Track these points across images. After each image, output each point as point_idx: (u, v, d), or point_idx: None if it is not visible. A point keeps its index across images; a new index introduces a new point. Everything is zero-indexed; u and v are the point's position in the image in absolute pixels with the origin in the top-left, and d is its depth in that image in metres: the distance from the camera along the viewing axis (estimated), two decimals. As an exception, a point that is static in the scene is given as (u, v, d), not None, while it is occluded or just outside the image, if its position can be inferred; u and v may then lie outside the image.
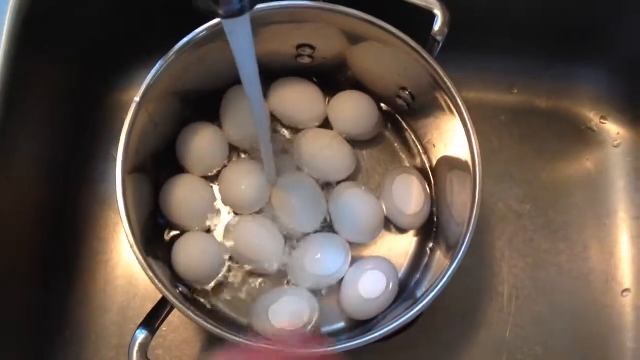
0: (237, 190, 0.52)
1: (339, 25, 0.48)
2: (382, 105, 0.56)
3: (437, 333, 0.55)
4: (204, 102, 0.54)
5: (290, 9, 0.46)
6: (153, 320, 0.43)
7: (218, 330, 0.42)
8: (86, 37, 0.55)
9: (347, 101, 0.55)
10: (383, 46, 0.48)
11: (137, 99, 0.44)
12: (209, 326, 0.42)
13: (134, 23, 0.56)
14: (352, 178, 0.55)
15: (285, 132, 0.55)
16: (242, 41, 0.34)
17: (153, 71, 0.45)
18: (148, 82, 0.45)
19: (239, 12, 0.31)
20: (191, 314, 0.42)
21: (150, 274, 0.42)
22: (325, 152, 0.53)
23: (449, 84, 0.46)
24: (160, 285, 0.42)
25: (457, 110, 0.47)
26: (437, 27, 0.46)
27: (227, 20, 0.32)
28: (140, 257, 0.42)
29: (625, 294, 0.57)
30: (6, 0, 0.46)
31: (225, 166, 0.54)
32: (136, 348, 0.42)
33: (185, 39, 0.45)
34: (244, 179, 0.52)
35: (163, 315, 0.43)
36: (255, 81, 0.38)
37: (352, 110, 0.54)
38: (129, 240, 0.42)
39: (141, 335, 0.42)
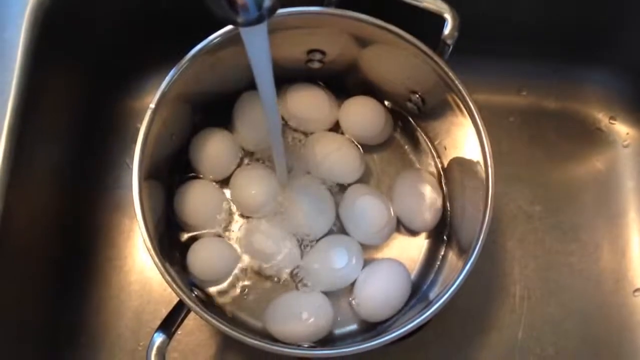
0: (247, 194, 0.53)
1: (349, 30, 0.48)
2: (393, 107, 0.56)
3: (448, 334, 0.55)
4: (214, 107, 0.54)
5: (301, 15, 0.46)
6: (170, 323, 0.43)
7: (236, 333, 0.42)
8: (98, 45, 0.55)
9: (357, 107, 0.55)
10: (393, 50, 0.48)
11: (152, 105, 0.45)
12: (227, 329, 0.42)
13: (145, 30, 0.56)
14: (363, 180, 0.55)
15: (296, 136, 0.56)
16: (259, 48, 0.35)
17: (167, 78, 0.45)
18: (163, 88, 0.45)
19: (257, 20, 0.31)
20: (209, 317, 0.42)
21: (168, 278, 0.42)
22: (334, 155, 0.54)
23: (460, 86, 0.46)
24: (178, 289, 0.42)
25: (468, 113, 0.47)
26: (447, 31, 0.46)
27: (245, 28, 0.33)
28: (158, 263, 0.42)
29: (636, 293, 0.57)
30: (22, 11, 0.46)
31: (236, 170, 0.54)
32: (154, 351, 0.42)
33: (199, 46, 0.45)
34: (254, 184, 0.53)
35: (180, 319, 0.44)
36: (270, 86, 0.39)
37: (362, 116, 0.55)
38: (146, 246, 0.43)
39: (159, 338, 0.42)
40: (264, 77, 0.38)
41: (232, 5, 0.30)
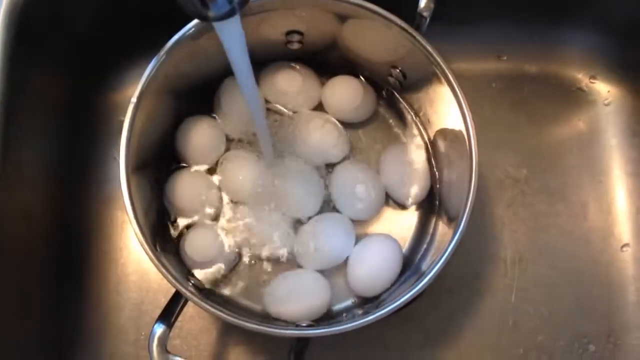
0: (235, 180, 0.53)
1: (326, 9, 0.48)
2: (376, 82, 0.56)
3: (443, 303, 0.56)
4: (197, 94, 0.54)
5: (277, -1, 0.46)
6: (169, 313, 0.44)
7: (233, 319, 0.43)
8: (76, 41, 0.55)
9: (338, 87, 0.55)
10: (371, 27, 0.48)
11: (134, 100, 0.45)
12: (224, 315, 0.43)
13: (122, 22, 0.56)
14: (350, 157, 0.55)
15: (281, 117, 0.56)
16: (234, 41, 0.35)
17: (147, 71, 0.45)
18: (143, 82, 0.45)
19: (229, 14, 0.31)
20: (206, 305, 0.43)
21: (163, 270, 0.43)
22: (317, 133, 0.54)
23: (438, 59, 0.47)
24: (173, 281, 0.43)
25: (448, 84, 0.47)
26: (422, 3, 0.46)
27: (218, 23, 0.33)
28: (152, 255, 0.43)
29: (624, 248, 0.58)
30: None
31: (223, 157, 0.54)
32: (155, 342, 0.42)
33: (176, 36, 0.45)
34: (242, 169, 0.53)
35: (179, 308, 0.44)
36: (248, 75, 0.39)
37: (343, 96, 0.55)
38: (139, 240, 0.43)
39: (159, 329, 0.43)
40: (242, 68, 0.38)
41: (203, 1, 0.30)
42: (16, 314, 0.50)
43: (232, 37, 0.35)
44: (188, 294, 0.43)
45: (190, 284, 0.48)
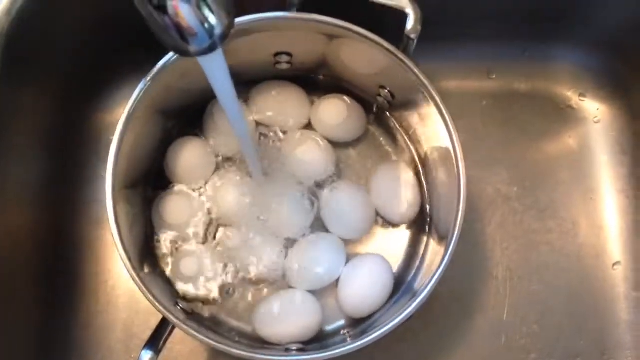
0: (224, 200, 0.53)
1: (313, 31, 0.48)
2: (366, 100, 0.56)
3: (435, 321, 0.56)
4: (186, 113, 0.54)
5: (264, 21, 0.46)
6: (157, 339, 0.43)
7: (222, 346, 0.43)
8: (65, 62, 0.55)
9: (327, 107, 0.55)
10: (359, 48, 0.48)
11: (121, 123, 0.44)
12: (212, 342, 0.43)
13: (110, 42, 0.56)
14: (340, 176, 0.56)
15: (271, 137, 0.56)
16: (217, 73, 0.34)
17: (135, 94, 0.45)
18: (130, 105, 0.45)
19: (210, 48, 0.31)
20: (193, 332, 0.42)
21: (150, 297, 0.42)
22: (301, 152, 0.54)
23: (424, 80, 0.46)
24: (161, 308, 0.42)
25: (435, 105, 0.47)
26: (410, 25, 0.46)
27: (201, 57, 0.32)
28: (138, 281, 0.42)
29: (615, 267, 0.58)
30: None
31: (212, 177, 0.54)
32: (143, 369, 0.42)
33: (163, 60, 0.45)
34: (231, 189, 0.53)
35: (167, 333, 0.44)
36: (233, 103, 0.39)
37: (333, 115, 0.55)
38: (125, 266, 0.43)
39: (147, 356, 0.42)
40: (226, 97, 0.38)
41: (183, 36, 0.30)
42: (4, 336, 0.50)
43: (215, 69, 0.35)
44: (175, 320, 0.42)
45: (179, 308, 0.48)
